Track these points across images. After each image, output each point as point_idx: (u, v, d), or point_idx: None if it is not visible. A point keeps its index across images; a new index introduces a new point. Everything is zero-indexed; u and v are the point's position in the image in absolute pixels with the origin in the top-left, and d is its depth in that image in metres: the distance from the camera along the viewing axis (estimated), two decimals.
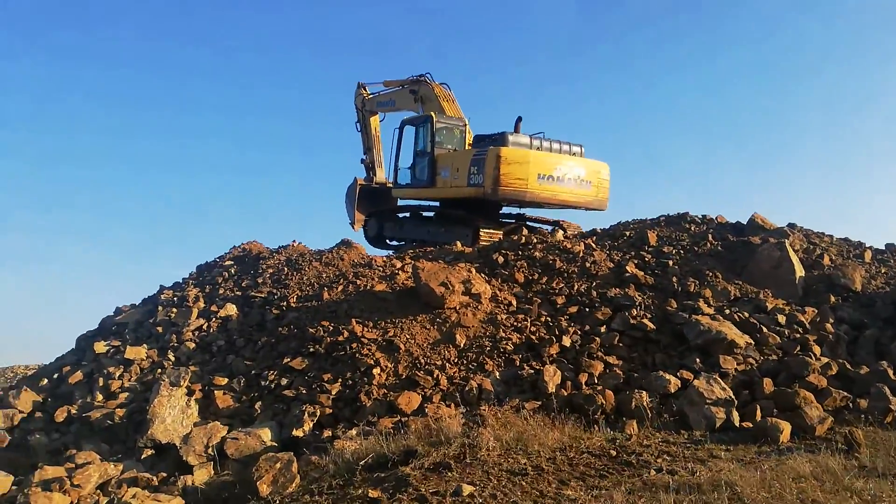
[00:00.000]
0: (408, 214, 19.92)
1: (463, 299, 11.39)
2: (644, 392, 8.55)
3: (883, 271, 12.43)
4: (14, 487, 7.79)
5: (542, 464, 6.87)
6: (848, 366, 9.10)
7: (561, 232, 14.45)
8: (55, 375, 11.92)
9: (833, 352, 9.70)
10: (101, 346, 12.24)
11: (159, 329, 12.52)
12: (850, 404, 8.32)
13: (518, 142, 15.27)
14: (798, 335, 9.91)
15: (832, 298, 11.04)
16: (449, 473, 6.64)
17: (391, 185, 19.65)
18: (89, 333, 14.42)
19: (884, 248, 13.82)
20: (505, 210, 17.66)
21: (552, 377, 8.99)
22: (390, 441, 7.54)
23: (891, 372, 8.84)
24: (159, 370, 11.28)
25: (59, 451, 9.26)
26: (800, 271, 11.60)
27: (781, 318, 10.22)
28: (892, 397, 8.08)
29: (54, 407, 10.86)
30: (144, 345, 11.97)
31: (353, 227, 20.48)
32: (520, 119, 15.88)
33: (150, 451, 8.80)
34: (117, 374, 11.16)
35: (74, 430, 9.85)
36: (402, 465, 6.94)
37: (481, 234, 15.63)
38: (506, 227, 16.81)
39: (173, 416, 9.00)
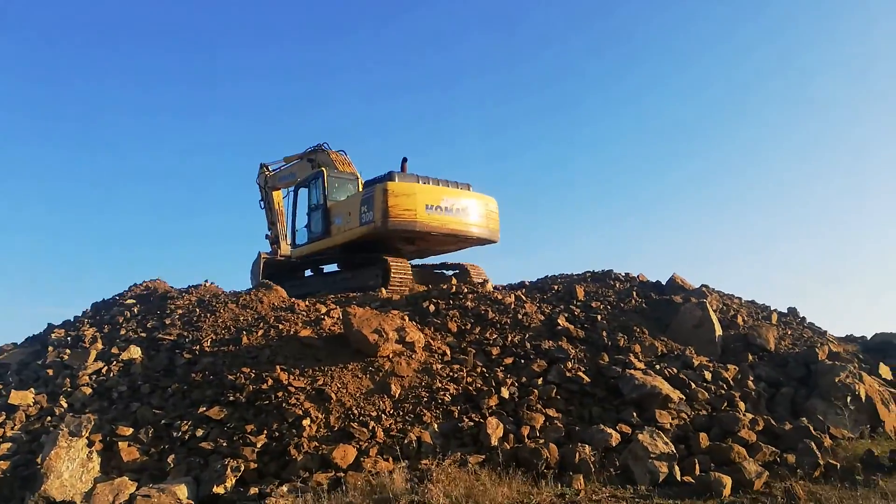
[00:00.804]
0: (308, 272, 19.78)
1: (396, 347, 10.98)
2: (587, 446, 8.44)
3: (789, 333, 13.27)
4: None
5: None
6: (773, 421, 9.46)
7: (490, 283, 14.41)
8: None
9: (755, 408, 10.10)
10: None
11: (49, 372, 11.14)
12: (778, 459, 8.59)
13: (404, 179, 15.75)
14: (723, 391, 10.25)
15: (749, 357, 11.59)
16: None
17: (285, 255, 20.50)
18: None
19: (786, 310, 14.83)
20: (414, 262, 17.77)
21: (495, 430, 8.71)
22: (329, 499, 6.94)
23: (811, 428, 9.26)
24: (49, 417, 9.97)
25: None
26: (718, 330, 12.14)
27: (707, 375, 10.56)
28: (818, 452, 8.41)
29: None
30: (31, 388, 10.58)
31: None
32: (405, 159, 16.43)
33: None
34: None
35: None
36: None
37: (392, 269, 15.50)
38: (412, 261, 17.13)
39: (71, 469, 7.87)
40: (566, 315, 12.45)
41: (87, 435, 8.28)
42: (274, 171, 21.56)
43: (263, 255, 20.23)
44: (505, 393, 9.80)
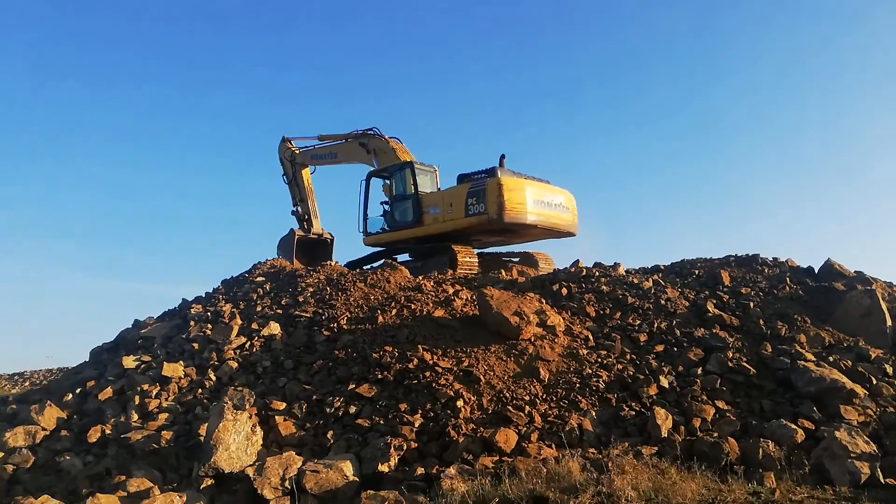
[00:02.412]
0: (381, 262, 19.19)
1: (537, 331, 10.56)
2: (769, 441, 7.74)
3: None
4: None
5: None
6: None
7: (622, 266, 13.75)
8: (78, 390, 10.70)
9: None
10: (130, 361, 11.07)
11: (195, 346, 11.39)
12: None
13: (505, 175, 16.28)
14: None
15: None
16: None
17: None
18: (106, 346, 13.22)
19: None
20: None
21: (664, 421, 8.14)
22: (509, 485, 6.61)
23: None
24: (199, 390, 10.18)
25: (102, 477, 8.06)
26: (888, 321, 11.03)
27: (889, 368, 9.57)
28: None
29: (81, 425, 9.67)
30: (180, 362, 10.83)
31: None
32: (503, 156, 16.81)
33: (209, 481, 7.67)
34: (154, 393, 10.01)
35: (113, 454, 8.64)
36: None
37: (459, 258, 16.07)
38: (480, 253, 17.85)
39: (237, 442, 7.90)
40: (714, 301, 11.65)
41: (249, 408, 8.31)
42: (303, 148, 21.30)
43: (298, 233, 20.36)
44: (664, 382, 9.21)
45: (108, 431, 9.14)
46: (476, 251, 17.47)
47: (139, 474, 7.68)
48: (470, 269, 16.11)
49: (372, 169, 19.14)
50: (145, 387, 10.16)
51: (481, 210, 15.74)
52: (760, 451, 7.58)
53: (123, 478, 7.62)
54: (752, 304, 11.41)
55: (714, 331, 10.54)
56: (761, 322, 10.83)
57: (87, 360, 13.08)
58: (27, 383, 22.25)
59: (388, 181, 18.88)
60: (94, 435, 9.05)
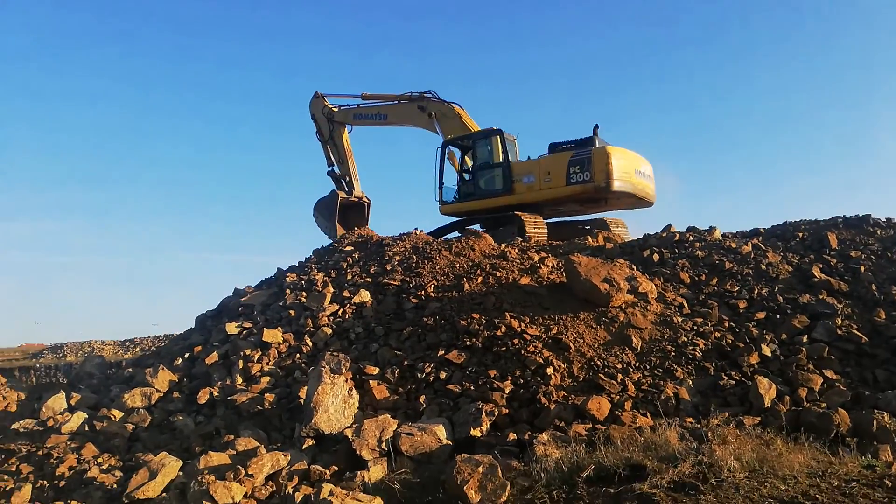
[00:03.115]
0: (456, 232, 18.91)
1: (628, 298, 10.32)
2: (884, 413, 7.27)
3: None
4: (180, 473, 7.14)
5: (810, 492, 5.72)
6: None
7: (718, 230, 13.14)
8: (187, 355, 11.42)
9: None
10: (232, 328, 11.69)
11: (291, 312, 11.87)
12: None
13: (602, 144, 16.14)
14: None
15: None
16: (701, 497, 5.59)
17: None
18: (210, 313, 14.01)
19: None
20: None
21: (767, 390, 7.80)
22: (604, 452, 6.55)
23: None
24: (297, 355, 10.63)
25: (212, 436, 8.62)
26: None
27: None
28: None
29: (192, 388, 10.33)
30: (279, 328, 11.33)
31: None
32: (597, 126, 16.66)
33: (311, 441, 8.04)
34: (256, 357, 10.54)
35: (221, 414, 9.20)
36: (634, 482, 5.93)
37: (527, 227, 16.00)
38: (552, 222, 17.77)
39: (336, 405, 8.22)
40: (820, 265, 10.96)
41: (345, 373, 8.61)
42: (343, 106, 20.31)
43: (341, 196, 19.73)
44: (766, 350, 8.81)
45: (215, 393, 9.71)
46: (546, 220, 17.34)
47: (246, 434, 8.14)
48: (539, 238, 16.03)
49: (448, 136, 18.50)
50: (248, 351, 10.70)
51: (586, 178, 15.74)
52: (875, 422, 7.13)
53: (232, 437, 8.10)
54: (862, 268, 10.66)
55: (821, 297, 9.96)
56: (873, 287, 10.12)
57: (193, 326, 13.92)
58: (137, 349, 23.98)
59: (463, 149, 18.51)
60: (203, 396, 9.65)
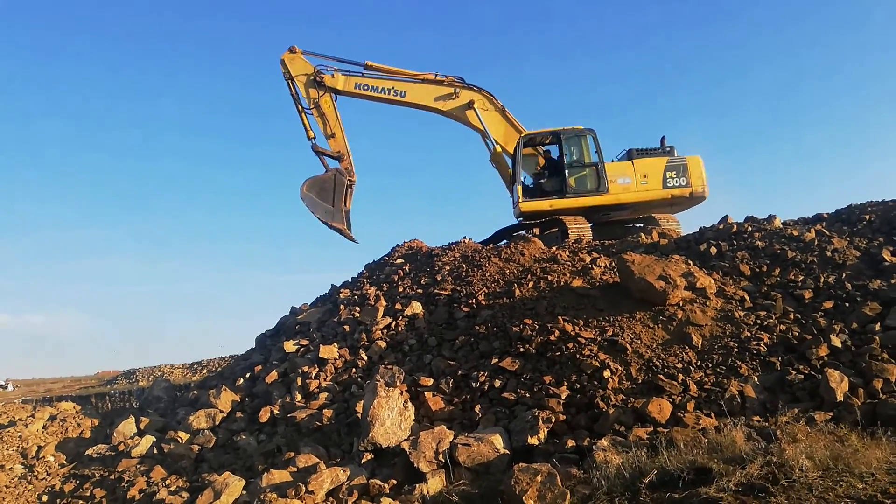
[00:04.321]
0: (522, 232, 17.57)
1: (686, 294, 10.00)
2: None
3: None
4: (244, 492, 7.30)
5: (890, 489, 5.36)
6: None
7: (778, 218, 12.61)
8: (248, 375, 11.71)
9: None
10: (290, 346, 11.93)
11: (346, 328, 12.04)
12: None
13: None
14: None
15: None
16: (772, 499, 5.32)
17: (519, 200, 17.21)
18: (269, 332, 14.36)
19: None
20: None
21: (839, 384, 7.40)
22: (667, 456, 6.33)
23: None
24: (353, 369, 10.75)
25: (273, 453, 8.80)
26: None
27: None
28: None
29: (253, 407, 10.58)
30: (334, 344, 11.49)
31: (343, 230, 16.97)
32: (664, 138, 17.46)
33: (369, 455, 8.10)
34: (313, 374, 10.72)
35: (282, 432, 9.40)
36: (700, 486, 5.70)
37: (569, 228, 15.85)
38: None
39: (392, 417, 8.26)
40: (890, 249, 10.36)
41: (399, 385, 8.65)
42: (346, 72, 17.25)
43: (347, 177, 16.96)
44: (836, 341, 8.35)
45: (276, 412, 9.93)
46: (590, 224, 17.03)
47: (306, 450, 8.27)
48: (583, 235, 15.85)
49: (526, 133, 17.30)
50: (305, 368, 10.91)
51: (683, 184, 16.77)
52: None
53: (293, 454, 8.25)
54: None
55: (892, 281, 9.40)
56: None
57: (254, 346, 14.28)
58: (204, 371, 24.72)
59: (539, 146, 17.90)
60: (264, 415, 9.87)
